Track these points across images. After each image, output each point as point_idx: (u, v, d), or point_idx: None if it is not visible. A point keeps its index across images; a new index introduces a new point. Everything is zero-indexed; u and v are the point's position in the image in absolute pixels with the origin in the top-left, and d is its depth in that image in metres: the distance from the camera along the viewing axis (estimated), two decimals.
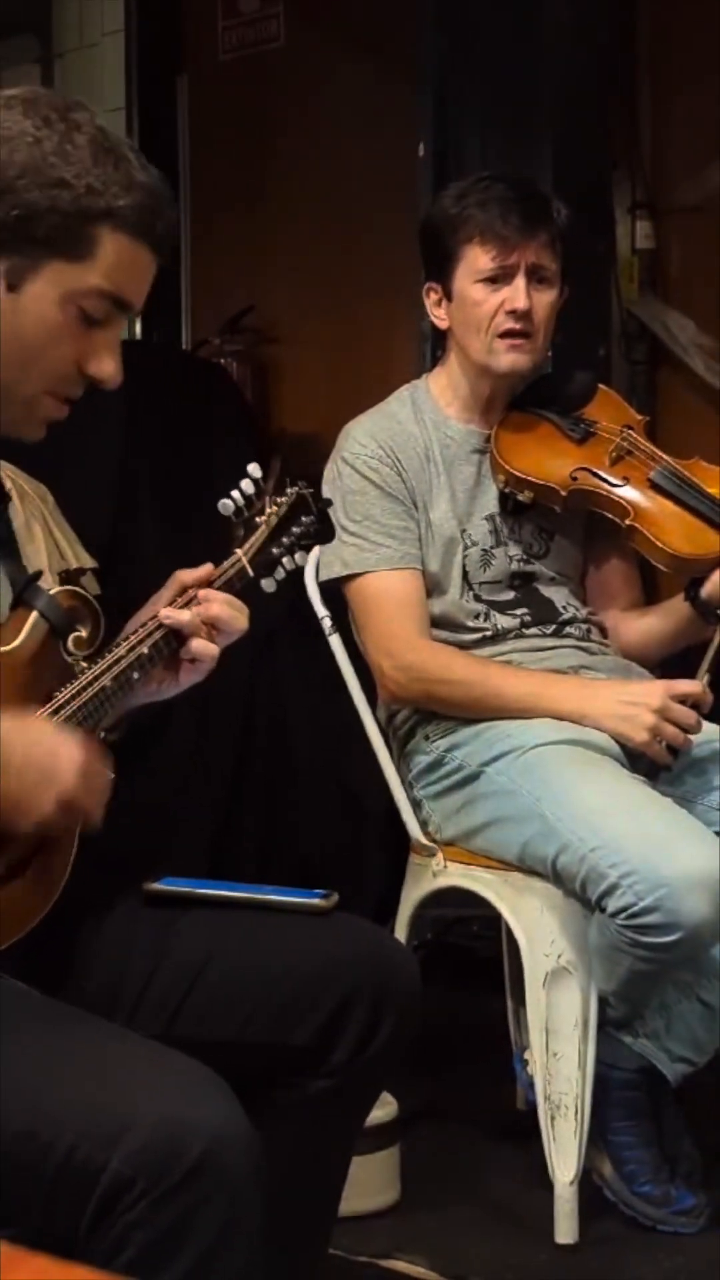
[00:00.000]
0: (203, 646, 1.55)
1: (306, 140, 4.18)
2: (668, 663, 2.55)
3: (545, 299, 2.37)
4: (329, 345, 4.15)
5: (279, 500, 1.68)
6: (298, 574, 1.74)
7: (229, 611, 1.58)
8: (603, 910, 2.09)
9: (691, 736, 2.23)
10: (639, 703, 2.23)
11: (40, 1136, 1.18)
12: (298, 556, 1.68)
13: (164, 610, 1.55)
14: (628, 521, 2.38)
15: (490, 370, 2.41)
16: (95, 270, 1.44)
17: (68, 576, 1.62)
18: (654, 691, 2.24)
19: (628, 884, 2.04)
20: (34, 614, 1.52)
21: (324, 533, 1.73)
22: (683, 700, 2.22)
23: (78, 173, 1.41)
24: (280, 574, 1.67)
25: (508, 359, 2.38)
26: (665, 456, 2.43)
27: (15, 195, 1.41)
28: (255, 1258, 1.21)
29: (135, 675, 1.53)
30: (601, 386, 2.58)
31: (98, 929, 1.55)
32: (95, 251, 1.44)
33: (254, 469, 1.67)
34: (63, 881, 1.49)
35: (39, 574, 1.57)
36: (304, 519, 1.69)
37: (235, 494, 1.64)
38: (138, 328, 4.31)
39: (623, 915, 2.05)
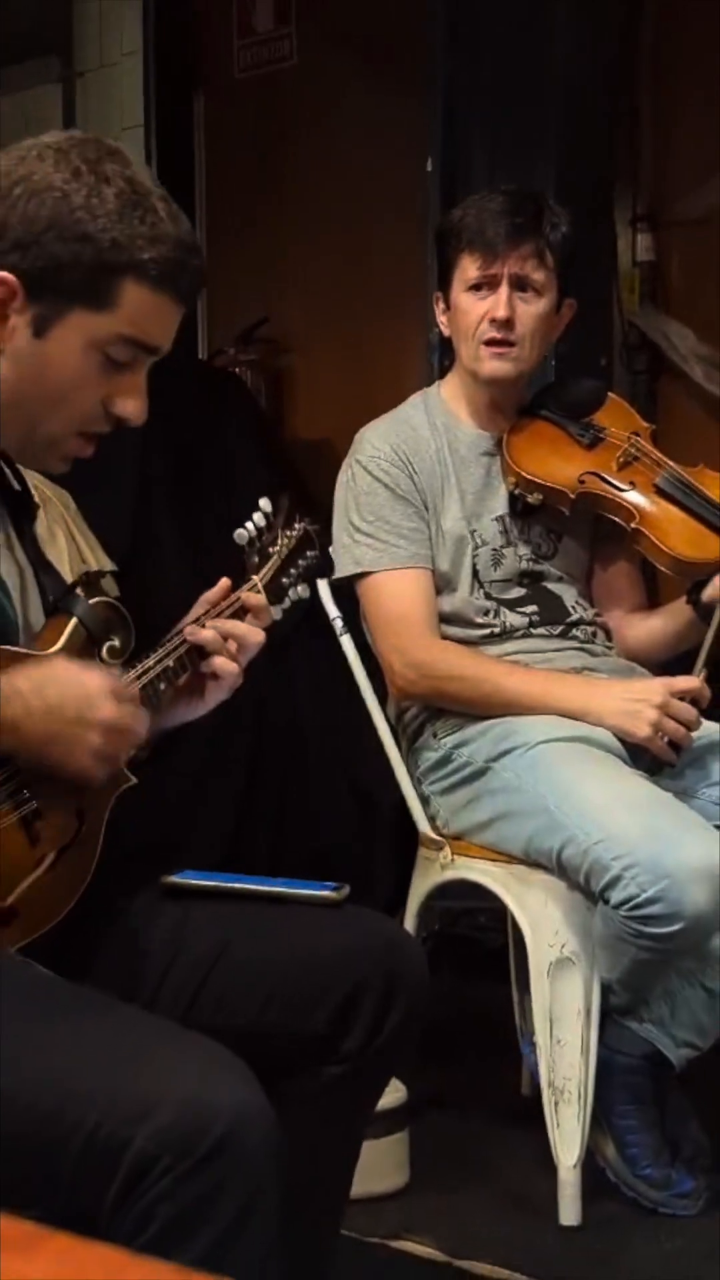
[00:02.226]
0: (223, 663, 1.58)
1: (318, 156, 4.18)
2: (668, 663, 2.55)
3: (530, 309, 2.36)
4: (340, 355, 4.16)
5: (289, 534, 1.73)
6: (301, 605, 1.77)
7: (245, 626, 1.60)
8: (606, 902, 2.09)
9: (691, 732, 2.23)
10: (641, 700, 2.23)
11: (67, 1115, 1.18)
12: (301, 588, 1.74)
13: (188, 627, 1.58)
14: (633, 525, 2.39)
15: (476, 375, 2.42)
16: (118, 318, 1.45)
17: (88, 578, 1.62)
18: (655, 689, 2.24)
19: (631, 876, 2.04)
20: (73, 620, 1.53)
21: (324, 568, 1.77)
22: (682, 696, 2.22)
23: (103, 226, 1.42)
24: (287, 603, 1.71)
25: (489, 365, 2.38)
26: (671, 463, 2.43)
27: (41, 247, 1.42)
28: (273, 1235, 1.21)
29: (162, 686, 1.55)
30: (611, 394, 2.58)
31: (119, 920, 1.55)
32: (118, 301, 1.44)
33: (265, 504, 1.71)
34: (89, 875, 1.50)
35: (76, 583, 1.58)
36: (309, 554, 1.74)
37: (249, 525, 1.68)
38: None
39: (626, 906, 2.05)
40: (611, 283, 3.69)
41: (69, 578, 1.63)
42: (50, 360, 1.45)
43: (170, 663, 1.55)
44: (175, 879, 1.61)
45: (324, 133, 4.16)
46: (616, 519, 2.41)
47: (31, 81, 4.53)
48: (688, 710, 2.21)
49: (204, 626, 1.59)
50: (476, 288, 2.36)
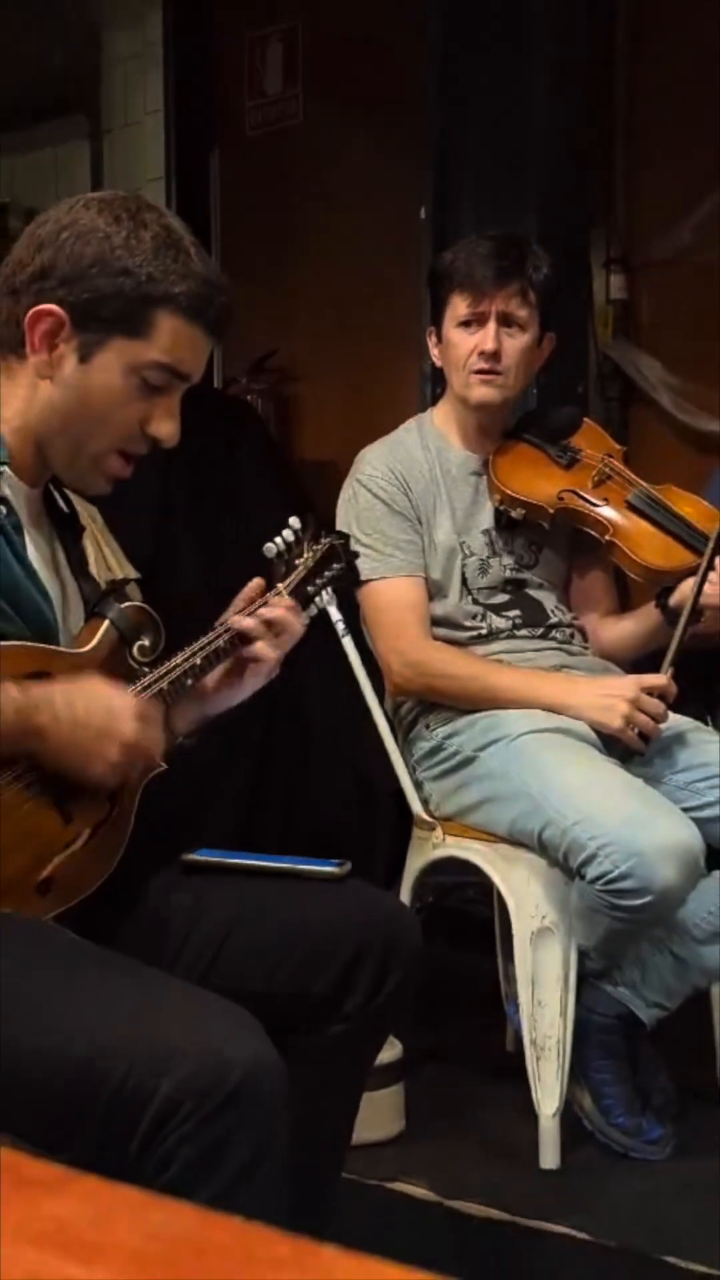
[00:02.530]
0: (263, 649, 1.59)
1: (322, 205, 4.18)
2: (639, 662, 2.55)
3: (515, 343, 2.36)
4: (342, 383, 4.15)
5: (315, 547, 1.72)
6: (324, 613, 1.80)
7: (287, 615, 1.61)
8: (583, 877, 2.09)
9: (659, 725, 2.23)
10: (615, 695, 2.23)
11: (97, 1066, 1.18)
12: (325, 595, 1.73)
13: (233, 617, 1.59)
14: (607, 537, 2.38)
15: (466, 402, 2.41)
16: (154, 346, 1.47)
17: (114, 586, 1.62)
18: (628, 685, 2.24)
19: (605, 854, 2.04)
20: (106, 622, 1.54)
21: (351, 577, 1.79)
22: (651, 692, 2.22)
23: (140, 262, 1.44)
24: (313, 610, 1.71)
25: (478, 393, 2.38)
26: (641, 482, 2.43)
27: (86, 281, 1.44)
28: (281, 1176, 1.21)
29: (189, 681, 1.55)
30: (586, 419, 2.58)
31: (143, 893, 1.55)
32: (154, 330, 1.46)
33: (295, 521, 1.71)
34: (121, 852, 1.50)
35: (110, 590, 1.59)
36: (335, 565, 1.74)
37: (278, 539, 1.68)
38: None
39: (601, 881, 2.05)
40: (587, 318, 3.68)
41: (101, 584, 1.64)
42: (94, 384, 1.47)
43: (198, 660, 1.55)
44: (194, 856, 1.61)
45: (327, 184, 4.16)
46: (592, 532, 2.41)
47: (62, 137, 4.53)
48: (656, 705, 2.21)
49: (228, 631, 1.58)
50: (467, 324, 2.35)
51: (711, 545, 2.25)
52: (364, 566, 2.37)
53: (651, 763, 2.30)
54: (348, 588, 2.41)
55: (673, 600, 2.34)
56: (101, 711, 1.40)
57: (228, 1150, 1.17)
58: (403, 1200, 2.14)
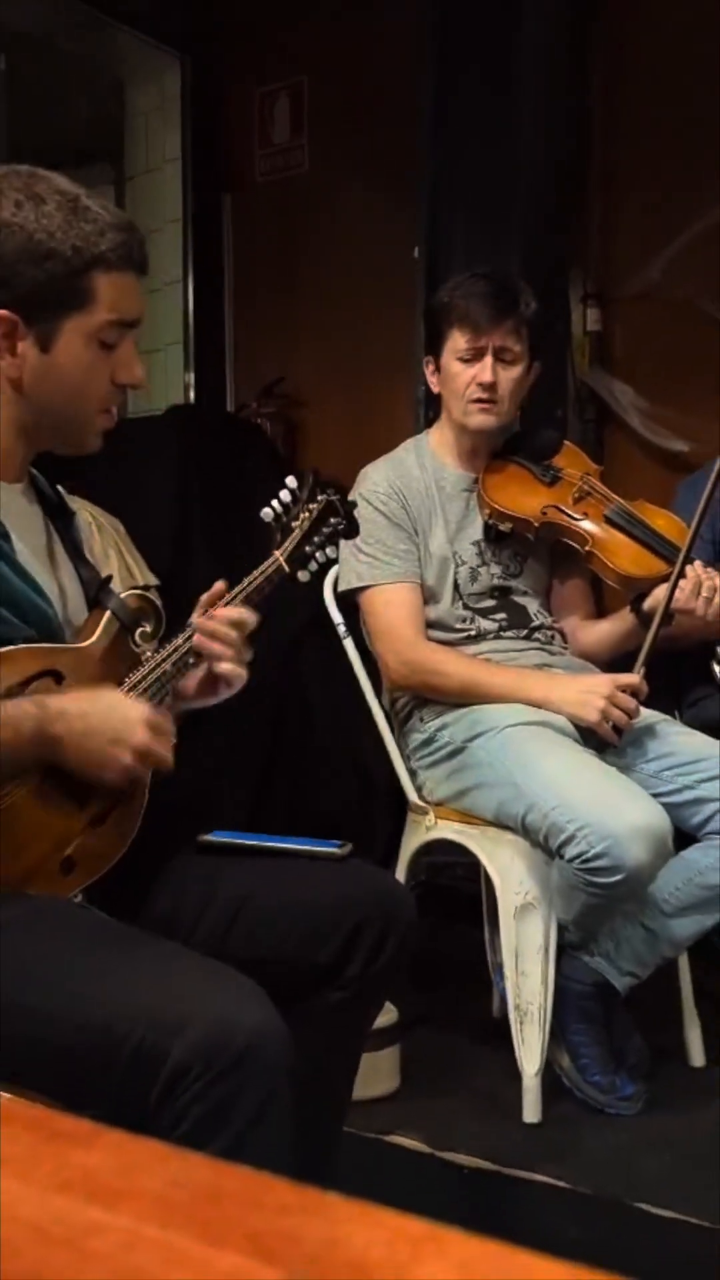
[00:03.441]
0: (223, 667, 1.51)
1: (325, 245, 4.18)
2: (614, 661, 2.55)
3: (509, 374, 2.37)
4: (343, 408, 4.15)
5: (311, 506, 1.64)
6: (329, 565, 1.68)
7: (227, 634, 1.52)
8: (562, 857, 2.09)
9: (632, 719, 2.23)
10: (592, 691, 2.23)
11: (117, 1031, 1.18)
12: (329, 550, 1.64)
13: (197, 624, 1.52)
14: (586, 548, 2.38)
15: (464, 427, 2.42)
16: (101, 308, 1.41)
17: (135, 589, 1.61)
18: (603, 683, 2.24)
19: (582, 835, 2.04)
20: (107, 613, 1.51)
21: (350, 530, 1.67)
22: (625, 690, 2.22)
23: (59, 240, 1.37)
24: (314, 566, 1.62)
25: (477, 419, 2.39)
26: (618, 498, 2.43)
27: (19, 276, 1.37)
28: (286, 1131, 1.20)
29: (190, 660, 1.52)
30: (567, 442, 2.58)
31: (162, 873, 1.55)
32: (96, 295, 1.41)
33: (291, 480, 1.63)
34: (134, 831, 1.49)
35: (109, 578, 1.56)
36: (333, 520, 1.65)
37: (274, 503, 1.61)
38: (191, 394, 4.32)
39: (578, 860, 2.05)
40: (567, 349, 3.68)
41: (119, 587, 1.61)
42: (62, 365, 1.42)
43: (170, 665, 1.50)
44: (208, 838, 1.61)
45: (329, 226, 4.16)
46: (573, 543, 2.41)
47: (89, 183, 4.46)
48: (629, 701, 2.21)
49: (196, 630, 1.51)
50: (465, 358, 2.36)
51: (683, 555, 2.25)
52: (365, 573, 2.38)
53: (624, 753, 2.30)
54: (348, 597, 2.43)
55: (646, 605, 2.34)
56: (115, 720, 1.38)
57: (234, 1108, 1.16)
58: (398, 1151, 2.14)
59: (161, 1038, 1.17)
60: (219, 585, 1.56)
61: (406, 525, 2.40)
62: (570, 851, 2.06)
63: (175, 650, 1.51)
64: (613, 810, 2.05)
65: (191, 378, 4.30)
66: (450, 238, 3.66)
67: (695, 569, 2.28)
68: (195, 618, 1.53)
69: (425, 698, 2.41)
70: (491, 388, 2.35)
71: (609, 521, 2.40)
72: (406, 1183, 2.09)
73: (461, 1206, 2.02)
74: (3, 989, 1.23)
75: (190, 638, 1.51)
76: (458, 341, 2.36)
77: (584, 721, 2.23)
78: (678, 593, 2.25)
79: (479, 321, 2.33)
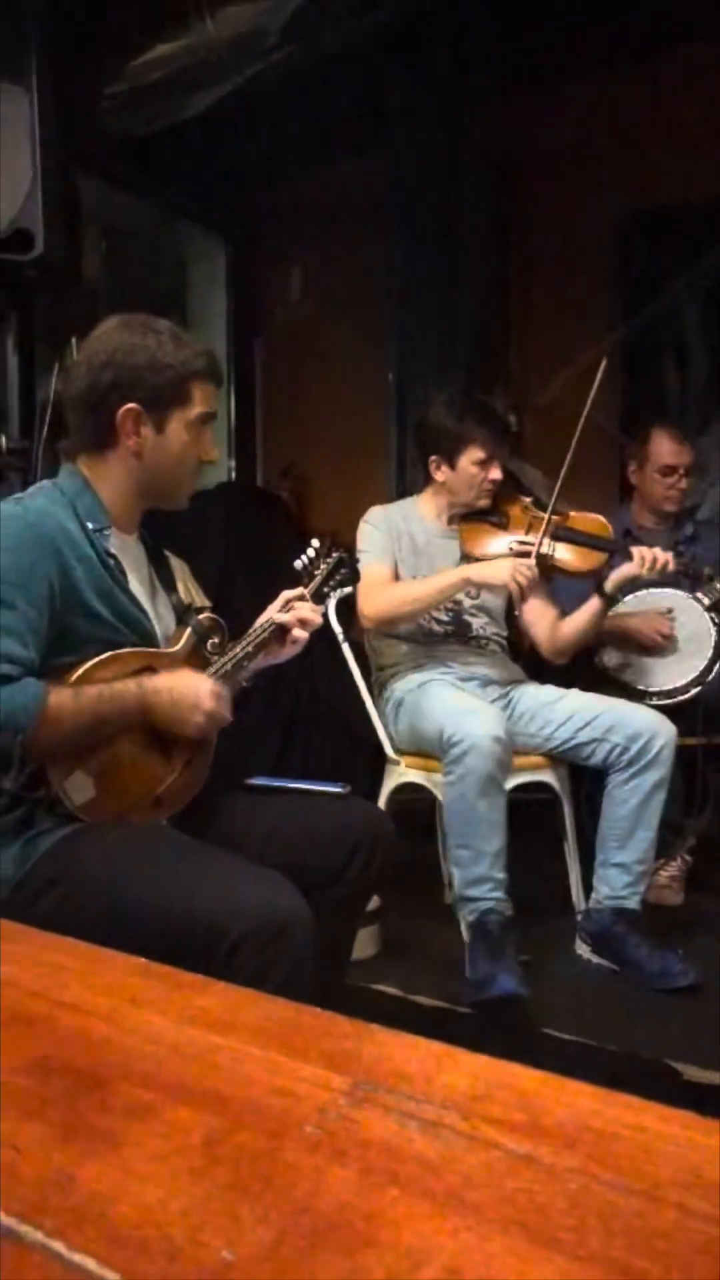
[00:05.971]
0: (297, 633, 1.59)
1: (323, 369, 4.16)
2: (589, 649, 2.52)
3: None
4: (336, 484, 4.13)
5: (328, 560, 1.69)
6: (338, 604, 1.73)
7: (312, 614, 1.60)
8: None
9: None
10: (500, 560, 2.24)
11: (193, 916, 1.18)
12: (337, 593, 1.73)
13: (276, 615, 1.58)
14: (548, 561, 2.34)
15: (471, 505, 2.40)
16: (196, 405, 1.43)
17: (197, 609, 1.61)
18: (505, 558, 2.25)
19: (454, 742, 2.05)
20: (188, 630, 1.52)
21: (352, 578, 1.75)
22: (522, 554, 2.24)
23: (170, 357, 1.40)
24: (327, 603, 1.70)
25: (484, 501, 2.39)
26: (554, 517, 2.36)
27: (144, 382, 1.40)
28: (308, 981, 1.20)
29: (246, 664, 1.54)
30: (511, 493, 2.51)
31: (220, 806, 1.55)
32: (193, 396, 1.43)
33: (315, 541, 1.68)
34: (205, 777, 1.49)
35: (190, 605, 1.57)
36: (342, 571, 1.71)
37: (304, 556, 1.67)
38: (232, 474, 4.31)
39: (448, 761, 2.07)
40: None
41: (184, 599, 1.61)
42: (171, 444, 1.43)
43: (250, 649, 1.54)
44: (251, 781, 1.61)
45: (327, 356, 4.14)
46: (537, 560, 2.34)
47: None
48: (529, 571, 2.17)
49: (273, 623, 1.58)
50: (481, 461, 2.34)
51: (625, 540, 2.24)
52: (363, 557, 2.38)
53: (520, 721, 2.31)
54: (349, 600, 2.42)
55: (608, 586, 2.29)
56: (190, 693, 1.39)
57: (276, 968, 1.16)
58: (379, 995, 2.14)
59: (223, 919, 1.17)
60: (293, 591, 1.62)
61: (389, 536, 2.41)
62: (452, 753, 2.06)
63: (252, 639, 1.54)
64: (472, 720, 2.05)
65: (233, 463, 4.29)
66: (414, 364, 3.67)
67: (639, 550, 2.24)
68: (275, 609, 1.58)
69: (391, 672, 2.41)
70: (495, 480, 2.37)
71: (556, 537, 2.35)
72: (384, 1019, 2.07)
73: (427, 1035, 2.01)
74: (118, 885, 1.23)
75: (267, 628, 1.55)
76: (477, 452, 2.34)
77: (500, 579, 2.19)
78: (634, 566, 2.22)
79: (490, 438, 2.33)
